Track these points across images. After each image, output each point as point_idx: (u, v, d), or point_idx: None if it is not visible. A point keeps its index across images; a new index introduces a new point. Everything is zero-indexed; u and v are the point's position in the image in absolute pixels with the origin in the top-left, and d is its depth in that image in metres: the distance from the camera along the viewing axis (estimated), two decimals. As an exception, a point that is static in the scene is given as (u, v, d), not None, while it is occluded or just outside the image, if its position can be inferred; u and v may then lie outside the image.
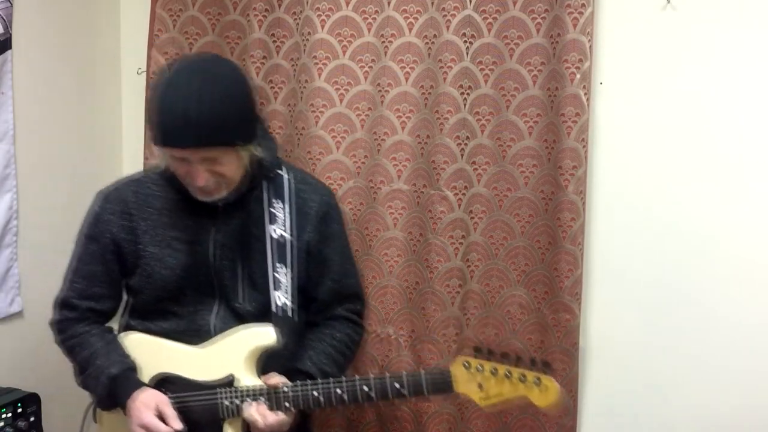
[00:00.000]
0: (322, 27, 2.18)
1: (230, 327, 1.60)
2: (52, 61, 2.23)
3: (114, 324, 1.74)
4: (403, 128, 2.16)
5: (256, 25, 2.26)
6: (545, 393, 1.41)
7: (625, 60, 2.04)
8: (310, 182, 1.73)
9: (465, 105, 2.11)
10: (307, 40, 2.19)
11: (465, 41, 2.09)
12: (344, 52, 2.18)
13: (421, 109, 2.14)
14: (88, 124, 2.41)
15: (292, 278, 1.62)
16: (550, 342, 2.09)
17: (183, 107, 1.39)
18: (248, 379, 1.56)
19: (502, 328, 2.15)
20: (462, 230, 2.14)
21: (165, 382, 1.59)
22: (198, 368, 1.58)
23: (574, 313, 2.05)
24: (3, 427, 1.85)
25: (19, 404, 1.90)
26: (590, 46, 1.98)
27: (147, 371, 1.61)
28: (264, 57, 2.27)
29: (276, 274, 1.60)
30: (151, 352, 1.62)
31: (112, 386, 1.56)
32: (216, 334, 1.60)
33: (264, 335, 1.56)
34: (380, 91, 2.16)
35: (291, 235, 1.62)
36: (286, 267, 1.61)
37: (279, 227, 1.62)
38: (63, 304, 1.67)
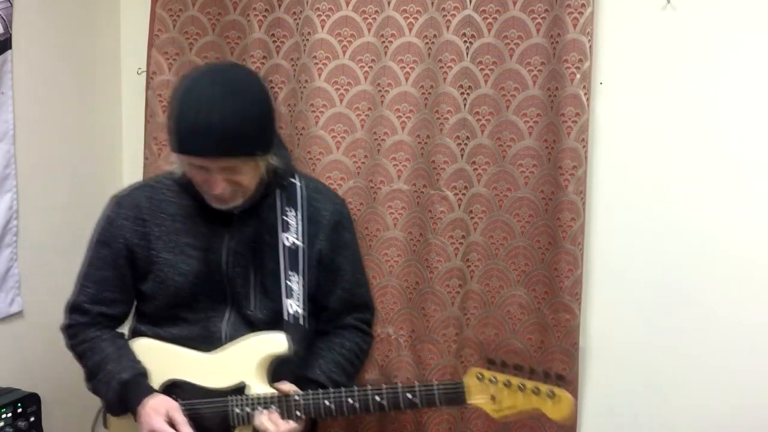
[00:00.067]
0: (322, 27, 2.18)
1: (241, 334, 1.60)
2: (52, 61, 2.23)
3: (123, 329, 1.74)
4: (403, 128, 2.16)
5: (256, 25, 2.26)
6: (559, 405, 1.41)
7: (625, 60, 2.04)
8: (322, 191, 1.74)
9: (465, 105, 2.11)
10: (307, 40, 2.19)
11: (465, 41, 2.09)
12: (344, 52, 2.18)
13: (421, 109, 2.14)
14: (88, 124, 2.41)
15: (303, 286, 1.62)
16: (550, 342, 2.09)
17: (206, 116, 1.39)
18: (259, 386, 1.55)
19: (502, 328, 2.15)
20: (462, 230, 2.14)
21: (174, 389, 1.58)
22: (208, 375, 1.58)
23: (574, 313, 2.05)
24: (3, 427, 1.85)
25: (19, 404, 1.90)
26: (590, 46, 1.98)
27: (156, 377, 1.60)
28: (264, 57, 2.27)
29: (288, 282, 1.60)
30: (160, 358, 1.61)
31: (122, 392, 1.55)
32: (227, 341, 1.60)
33: (276, 343, 1.56)
34: (380, 91, 2.16)
35: (303, 242, 1.62)
36: (298, 275, 1.61)
37: (291, 235, 1.62)
38: (74, 308, 1.67)
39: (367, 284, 1.81)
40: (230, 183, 1.49)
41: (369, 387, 1.52)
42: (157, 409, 1.51)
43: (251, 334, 1.59)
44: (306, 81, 2.20)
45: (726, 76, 1.95)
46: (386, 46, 2.15)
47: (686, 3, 1.96)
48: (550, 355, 2.09)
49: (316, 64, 2.19)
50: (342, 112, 2.20)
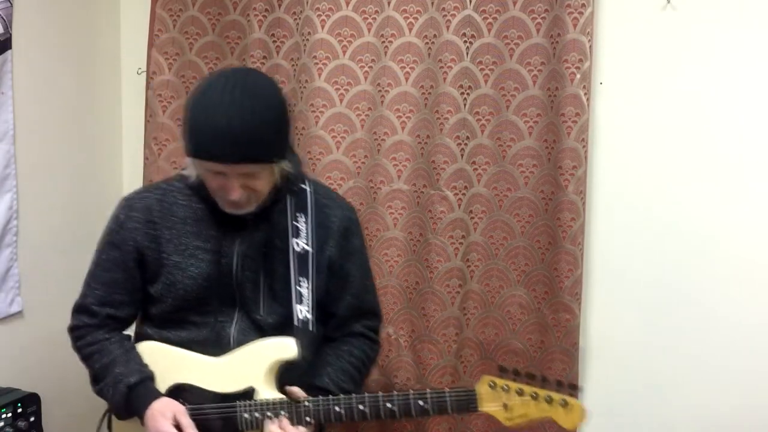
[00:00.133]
0: (322, 27, 2.18)
1: (249, 338, 1.59)
2: (52, 61, 2.23)
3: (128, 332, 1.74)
4: (403, 128, 2.16)
5: (256, 25, 2.26)
6: (571, 414, 1.42)
7: (625, 60, 2.04)
8: (332, 197, 1.73)
9: (465, 105, 2.11)
10: (307, 40, 2.19)
11: (465, 41, 2.09)
12: (344, 52, 2.18)
13: (421, 109, 2.14)
14: (88, 124, 2.41)
15: (311, 291, 1.61)
16: (550, 342, 2.09)
17: (227, 122, 1.38)
18: (267, 392, 1.54)
19: (502, 328, 2.15)
20: (462, 230, 2.15)
21: (181, 392, 1.57)
22: (216, 379, 1.57)
23: (574, 313, 2.05)
24: (3, 427, 1.84)
25: (19, 404, 1.90)
26: (590, 46, 1.98)
27: (163, 381, 1.59)
28: (264, 57, 2.27)
29: (298, 288, 1.59)
30: (167, 362, 1.60)
31: (130, 395, 1.54)
32: (235, 345, 1.59)
33: (285, 348, 1.55)
34: (380, 91, 2.16)
35: (312, 248, 1.62)
36: (307, 280, 1.61)
37: (302, 240, 1.61)
38: (81, 309, 1.65)
39: (375, 291, 1.81)
40: (247, 189, 1.49)
41: (380, 393, 1.51)
42: (164, 412, 1.50)
43: (260, 339, 1.58)
44: (306, 81, 2.20)
45: (726, 76, 1.95)
46: (386, 46, 2.15)
47: (686, 3, 1.97)
48: (550, 355, 2.09)
49: (316, 64, 2.19)
50: (342, 112, 2.20)
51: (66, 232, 2.30)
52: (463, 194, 2.13)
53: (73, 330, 1.67)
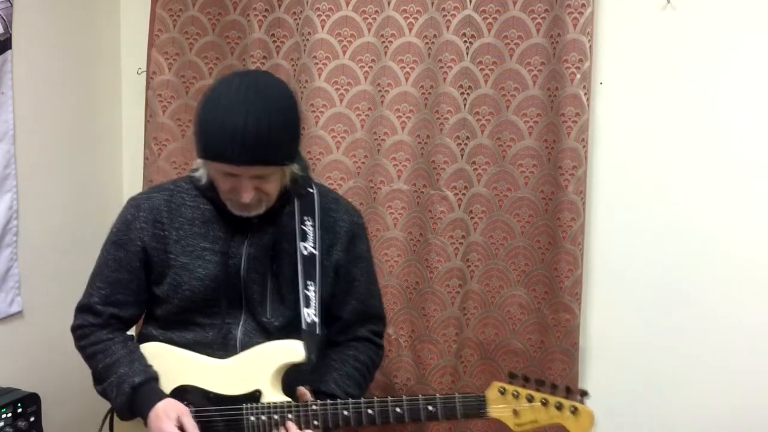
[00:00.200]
0: (322, 27, 2.18)
1: (255, 341, 1.59)
2: (52, 61, 2.23)
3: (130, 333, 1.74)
4: (403, 128, 2.16)
5: (256, 25, 2.26)
6: (580, 421, 1.44)
7: (625, 60, 2.04)
8: (339, 201, 1.74)
9: (465, 105, 2.11)
10: (307, 40, 2.19)
11: (465, 41, 2.09)
12: (344, 52, 2.18)
13: (421, 109, 2.14)
14: (88, 124, 2.41)
15: (317, 294, 1.62)
16: (550, 342, 2.09)
17: (242, 124, 1.39)
18: (274, 395, 1.54)
19: (502, 328, 2.15)
20: (462, 230, 2.15)
21: (184, 394, 1.57)
22: (221, 381, 1.56)
23: (574, 313, 2.05)
24: (3, 427, 1.84)
25: (19, 404, 1.90)
26: (590, 46, 1.98)
27: (167, 382, 1.58)
28: (264, 57, 2.27)
29: (306, 291, 1.60)
30: (171, 363, 1.60)
31: (134, 395, 1.54)
32: (241, 347, 1.59)
33: (293, 351, 1.54)
34: (380, 91, 2.16)
35: (318, 251, 1.62)
36: (314, 284, 1.61)
37: (309, 244, 1.62)
38: (86, 308, 1.65)
39: (380, 296, 1.81)
40: (258, 191, 1.50)
41: (389, 397, 1.51)
42: (168, 412, 1.50)
43: (268, 342, 1.58)
44: (306, 81, 2.20)
45: (726, 76, 1.95)
46: (386, 46, 2.15)
47: (686, 3, 1.97)
48: (550, 355, 2.09)
49: (316, 64, 2.19)
50: (342, 112, 2.20)
51: (66, 232, 2.30)
52: (463, 194, 2.13)
53: (76, 329, 1.66)
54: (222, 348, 1.59)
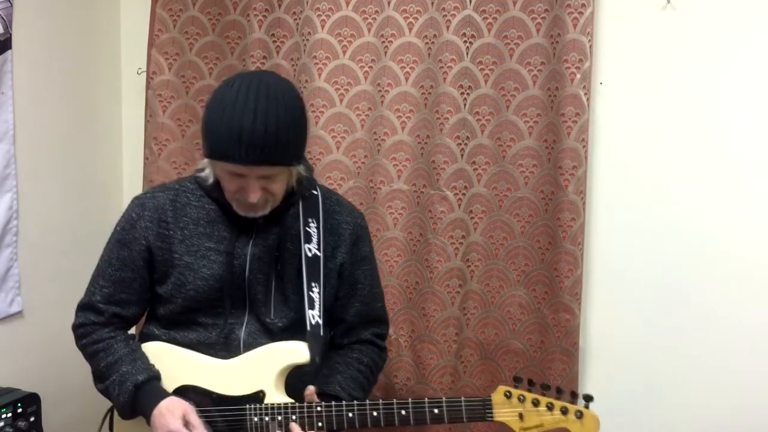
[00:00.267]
0: (322, 27, 2.18)
1: (259, 341, 1.59)
2: (52, 61, 2.23)
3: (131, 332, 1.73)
4: (403, 128, 2.16)
5: (256, 25, 2.26)
6: (586, 425, 1.44)
7: (625, 60, 2.04)
8: (342, 203, 1.74)
9: (465, 105, 2.11)
10: (307, 40, 2.19)
11: (465, 41, 2.09)
12: (344, 52, 2.18)
13: (421, 109, 2.14)
14: (88, 124, 2.41)
15: (321, 295, 1.62)
16: (550, 342, 2.09)
17: (250, 124, 1.40)
18: (277, 396, 1.54)
19: (502, 328, 2.15)
20: (462, 230, 2.15)
21: (187, 394, 1.56)
22: (224, 381, 1.56)
23: (574, 313, 2.05)
24: (3, 427, 1.84)
25: (19, 404, 1.90)
26: (590, 46, 1.98)
27: (169, 382, 1.58)
28: (264, 57, 2.27)
29: (310, 293, 1.60)
30: (174, 363, 1.60)
31: (137, 394, 1.53)
32: (244, 347, 1.59)
33: (297, 352, 1.54)
34: (380, 91, 2.16)
35: (322, 253, 1.63)
36: (318, 285, 1.61)
37: (313, 246, 1.62)
38: (88, 307, 1.65)
39: (383, 299, 1.81)
40: (264, 191, 1.50)
41: (394, 400, 1.51)
42: (172, 410, 1.50)
43: (272, 342, 1.58)
44: (306, 81, 2.20)
45: (726, 76, 1.95)
46: (386, 46, 2.15)
47: (686, 3, 1.97)
48: (550, 355, 2.09)
49: (316, 64, 2.19)
50: (342, 112, 2.20)
51: (66, 232, 2.30)
52: (463, 194, 2.13)
53: (77, 328, 1.66)
54: (225, 348, 1.59)
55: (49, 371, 2.17)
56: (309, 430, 1.50)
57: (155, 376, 1.57)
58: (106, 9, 2.47)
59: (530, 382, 1.47)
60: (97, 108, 2.45)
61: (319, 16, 2.18)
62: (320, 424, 1.50)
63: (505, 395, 1.47)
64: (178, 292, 1.60)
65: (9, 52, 2.03)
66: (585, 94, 1.99)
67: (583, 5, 1.97)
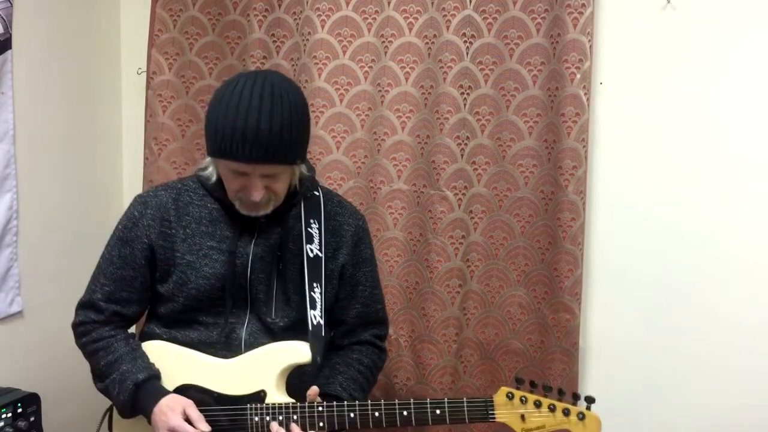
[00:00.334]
0: (322, 27, 2.18)
1: (260, 341, 1.59)
2: (52, 61, 2.23)
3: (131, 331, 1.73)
4: (403, 128, 2.16)
5: (256, 25, 2.26)
6: (587, 427, 1.45)
7: (625, 60, 2.04)
8: (344, 205, 1.75)
9: (465, 105, 2.11)
10: (307, 40, 2.19)
11: (465, 41, 2.09)
12: (344, 52, 2.18)
13: (421, 109, 2.14)
14: (88, 124, 2.41)
15: (322, 294, 1.62)
16: (550, 342, 2.09)
17: (254, 122, 1.40)
18: (278, 396, 1.54)
19: (502, 328, 2.15)
20: (462, 230, 2.15)
21: (188, 393, 1.56)
22: (225, 381, 1.56)
23: (574, 313, 2.05)
24: (3, 427, 1.84)
25: (19, 404, 1.90)
26: (590, 46, 1.98)
27: (169, 381, 1.58)
28: (264, 57, 2.27)
29: (312, 293, 1.60)
30: (174, 362, 1.60)
31: (137, 392, 1.53)
32: (245, 347, 1.59)
33: (298, 352, 1.54)
34: (380, 91, 2.16)
35: (323, 254, 1.63)
36: (320, 285, 1.62)
37: (315, 246, 1.63)
38: (88, 305, 1.65)
39: (383, 300, 1.82)
40: (267, 190, 1.51)
41: (396, 401, 1.51)
42: (173, 406, 1.50)
43: (273, 343, 1.58)
44: (306, 81, 2.20)
45: (726, 76, 1.95)
46: (386, 46, 2.15)
47: (686, 3, 1.97)
48: (550, 355, 2.09)
49: (316, 64, 2.19)
50: (342, 112, 2.20)
51: (66, 232, 2.30)
52: (463, 194, 2.13)
53: (77, 326, 1.66)
54: (225, 348, 1.59)
55: (49, 371, 2.17)
56: (310, 430, 1.50)
57: (155, 375, 1.57)
58: (106, 9, 2.47)
59: (532, 384, 1.47)
60: (97, 108, 2.45)
61: (319, 16, 2.18)
62: (321, 424, 1.50)
63: (507, 396, 1.47)
64: (180, 290, 1.60)
65: (9, 52, 2.03)
66: (585, 94, 1.99)
67: (583, 5, 1.97)
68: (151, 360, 1.59)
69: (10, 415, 1.87)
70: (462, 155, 2.12)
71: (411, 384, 2.21)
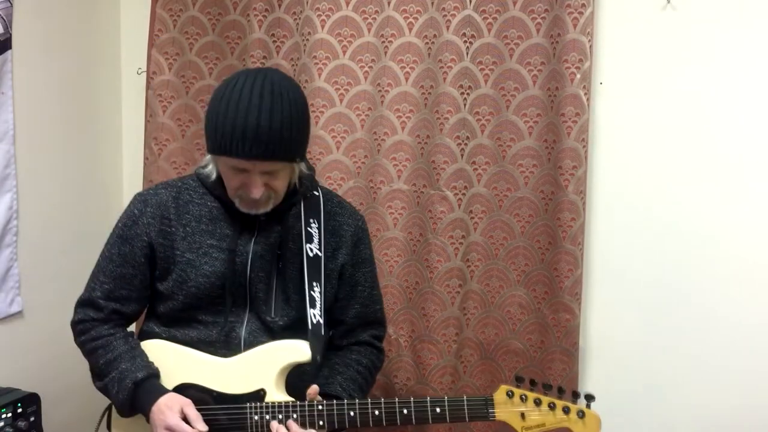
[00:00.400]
0: (322, 27, 2.18)
1: (259, 340, 1.59)
2: (52, 61, 2.23)
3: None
4: (403, 128, 2.16)
5: (256, 25, 2.26)
6: (587, 425, 1.45)
7: (625, 60, 2.04)
8: (344, 205, 1.75)
9: (465, 105, 2.11)
10: (307, 40, 2.19)
11: (465, 41, 2.09)
12: (344, 52, 2.18)
13: (421, 109, 2.14)
14: (88, 124, 2.41)
15: (321, 294, 1.62)
16: (550, 342, 2.09)
17: (255, 119, 1.41)
18: (278, 394, 1.54)
19: (502, 328, 2.15)
20: (462, 230, 2.14)
21: (186, 392, 1.56)
22: (224, 380, 1.56)
23: (574, 313, 2.05)
24: (3, 427, 1.84)
25: (19, 404, 1.90)
26: (590, 46, 1.98)
27: (168, 380, 1.58)
28: (264, 57, 2.27)
29: (312, 292, 1.61)
30: (173, 360, 1.60)
31: (136, 391, 1.53)
32: (244, 346, 1.59)
33: (298, 351, 1.54)
34: (380, 91, 2.16)
35: (323, 253, 1.63)
36: (319, 285, 1.62)
37: (314, 246, 1.63)
38: (87, 303, 1.65)
39: (382, 301, 1.82)
40: (267, 187, 1.51)
41: (396, 399, 1.51)
42: (170, 405, 1.50)
43: (273, 341, 1.58)
44: (306, 81, 2.20)
45: (726, 76, 1.95)
46: (386, 46, 2.15)
47: (686, 3, 1.97)
48: (550, 355, 2.09)
49: (316, 64, 2.19)
50: (342, 112, 2.20)
51: (66, 232, 2.30)
52: (463, 194, 2.13)
53: (76, 324, 1.66)
54: (225, 346, 1.59)
55: (48, 371, 2.17)
56: (310, 428, 1.50)
57: (154, 374, 1.57)
58: (106, 9, 2.47)
59: (532, 382, 1.47)
60: (97, 108, 2.45)
61: (319, 16, 2.18)
62: (321, 422, 1.50)
63: (507, 394, 1.47)
64: (180, 289, 1.60)
65: (9, 52, 2.03)
66: (585, 94, 1.99)
67: (583, 5, 1.97)
68: (151, 359, 1.59)
69: (10, 415, 1.87)
70: (462, 155, 2.12)
71: (411, 384, 2.21)
